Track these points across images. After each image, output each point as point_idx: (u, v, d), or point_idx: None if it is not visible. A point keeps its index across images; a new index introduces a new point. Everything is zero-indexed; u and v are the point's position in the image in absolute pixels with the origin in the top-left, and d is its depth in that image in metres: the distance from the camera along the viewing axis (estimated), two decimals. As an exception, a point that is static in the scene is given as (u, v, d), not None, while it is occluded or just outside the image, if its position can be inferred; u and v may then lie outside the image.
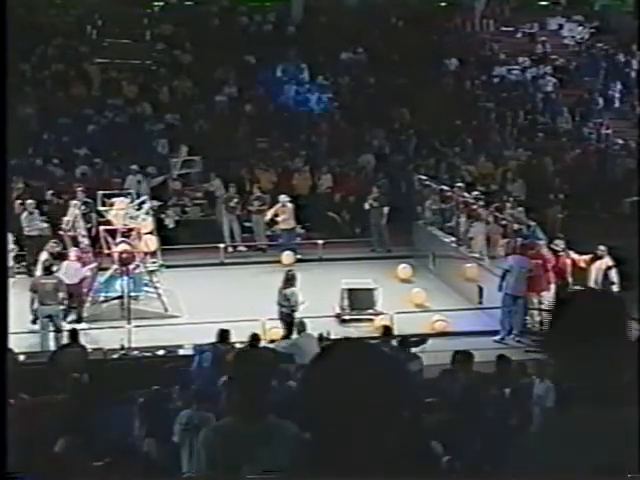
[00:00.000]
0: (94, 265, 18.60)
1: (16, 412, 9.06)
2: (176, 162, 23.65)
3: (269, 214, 22.32)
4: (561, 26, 33.99)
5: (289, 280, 16.22)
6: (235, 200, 22.86)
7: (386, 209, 22.46)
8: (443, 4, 34.42)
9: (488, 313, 17.72)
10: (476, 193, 21.06)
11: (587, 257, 17.20)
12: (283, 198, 22.33)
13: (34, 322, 16.37)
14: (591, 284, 16.98)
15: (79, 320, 16.73)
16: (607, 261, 16.95)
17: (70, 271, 16.79)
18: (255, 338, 13.02)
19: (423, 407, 9.89)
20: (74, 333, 13.84)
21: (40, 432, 9.53)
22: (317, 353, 2.70)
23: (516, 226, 18.70)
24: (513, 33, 33.64)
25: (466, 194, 20.91)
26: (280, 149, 26.21)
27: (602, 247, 17.08)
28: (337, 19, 31.68)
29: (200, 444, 4.80)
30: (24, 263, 19.71)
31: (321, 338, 13.31)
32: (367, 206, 22.54)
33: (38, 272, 16.83)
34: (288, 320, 15.66)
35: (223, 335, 12.90)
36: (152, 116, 26.93)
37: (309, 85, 29.03)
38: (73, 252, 17.45)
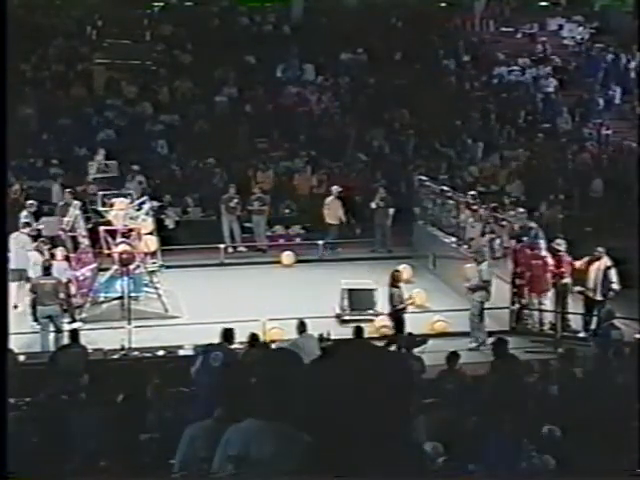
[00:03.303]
0: (94, 266, 18.62)
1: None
2: (92, 165, 23.54)
3: (326, 202, 22.29)
4: (561, 26, 34.00)
5: (392, 280, 16.36)
6: (235, 200, 22.86)
7: (392, 210, 22.52)
8: (443, 4, 34.42)
9: (488, 313, 17.71)
10: (472, 193, 21.05)
11: (583, 262, 17.18)
12: (335, 189, 22.44)
13: (36, 319, 16.44)
14: (590, 284, 17.00)
15: (72, 320, 16.68)
16: (606, 261, 16.96)
17: (58, 271, 16.74)
18: (254, 338, 13.02)
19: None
20: (74, 333, 13.83)
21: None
22: (320, 353, 2.72)
23: (516, 227, 18.69)
24: (513, 33, 33.65)
25: (464, 194, 20.95)
26: (280, 149, 26.23)
27: (600, 248, 17.08)
28: (337, 19, 31.68)
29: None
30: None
31: (322, 339, 13.32)
32: (374, 205, 22.58)
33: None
34: (394, 320, 16.06)
35: (227, 335, 12.87)
36: (152, 116, 26.95)
37: (309, 85, 29.04)
38: (59, 252, 17.38)
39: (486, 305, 16.82)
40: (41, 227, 19.35)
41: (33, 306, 16.51)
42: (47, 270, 16.18)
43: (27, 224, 18.82)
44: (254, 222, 23.01)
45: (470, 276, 17.11)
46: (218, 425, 4.62)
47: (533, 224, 19.06)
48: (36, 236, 18.82)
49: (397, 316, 16.20)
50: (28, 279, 17.08)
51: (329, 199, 22.72)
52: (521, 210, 20.35)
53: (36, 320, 16.26)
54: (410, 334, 14.13)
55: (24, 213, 19.76)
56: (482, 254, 17.42)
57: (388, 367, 2.56)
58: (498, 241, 18.35)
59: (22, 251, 17.52)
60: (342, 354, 2.61)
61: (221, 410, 4.66)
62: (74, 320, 16.70)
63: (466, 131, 27.52)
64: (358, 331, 13.37)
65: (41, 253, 17.38)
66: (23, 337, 15.65)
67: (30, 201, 20.55)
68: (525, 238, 18.20)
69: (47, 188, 23.21)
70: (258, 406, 4.20)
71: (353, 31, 30.85)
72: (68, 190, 21.16)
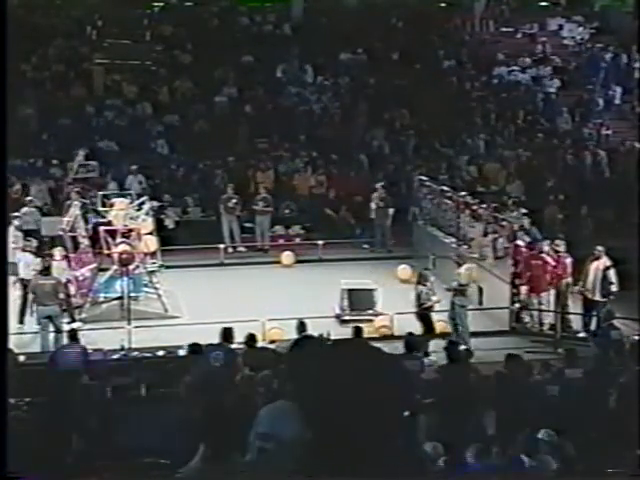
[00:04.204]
0: (94, 266, 18.61)
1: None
2: (72, 166, 23.53)
3: (373, 198, 22.39)
4: (561, 27, 33.99)
5: (419, 278, 16.35)
6: (234, 200, 22.81)
7: (391, 210, 22.55)
8: (443, 4, 34.43)
9: (488, 313, 17.73)
10: (464, 193, 21.00)
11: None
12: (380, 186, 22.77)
13: (21, 322, 16.48)
14: (589, 285, 17.00)
15: (72, 321, 16.68)
16: (605, 261, 16.95)
17: (57, 271, 16.73)
18: (252, 338, 13.01)
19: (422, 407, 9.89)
20: (73, 333, 13.83)
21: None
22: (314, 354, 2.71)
23: (516, 227, 18.69)
24: (513, 34, 33.64)
25: (463, 194, 20.95)
26: (280, 149, 26.22)
27: (599, 247, 17.09)
28: (337, 19, 31.69)
29: None
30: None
31: (322, 339, 13.31)
32: (373, 206, 22.59)
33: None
34: (422, 318, 16.13)
35: (227, 334, 12.86)
36: (152, 116, 26.95)
37: (309, 85, 29.04)
38: (57, 252, 17.36)
39: (475, 306, 16.81)
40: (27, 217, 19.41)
41: (24, 305, 16.59)
42: (46, 270, 16.17)
43: (16, 217, 18.88)
44: (257, 222, 22.95)
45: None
46: (207, 464, 4.39)
47: (526, 223, 19.07)
48: (25, 233, 18.93)
49: (424, 315, 16.21)
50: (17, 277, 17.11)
51: (376, 194, 22.91)
52: (523, 210, 20.37)
53: (22, 319, 16.37)
54: (411, 334, 14.13)
55: (24, 209, 19.93)
56: (463, 257, 17.42)
57: (385, 367, 2.55)
58: (501, 241, 18.31)
59: (12, 245, 17.55)
60: (337, 354, 2.60)
61: (206, 449, 4.46)
62: (73, 320, 16.70)
63: (466, 131, 27.51)
64: (357, 331, 13.39)
65: (32, 253, 17.28)
66: (23, 337, 15.70)
67: (29, 197, 20.69)
68: (525, 238, 18.21)
69: (47, 188, 23.26)
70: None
71: (353, 31, 30.86)
72: (75, 190, 21.16)
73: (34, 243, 17.77)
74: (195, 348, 12.69)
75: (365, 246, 22.90)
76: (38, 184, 22.94)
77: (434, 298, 16.45)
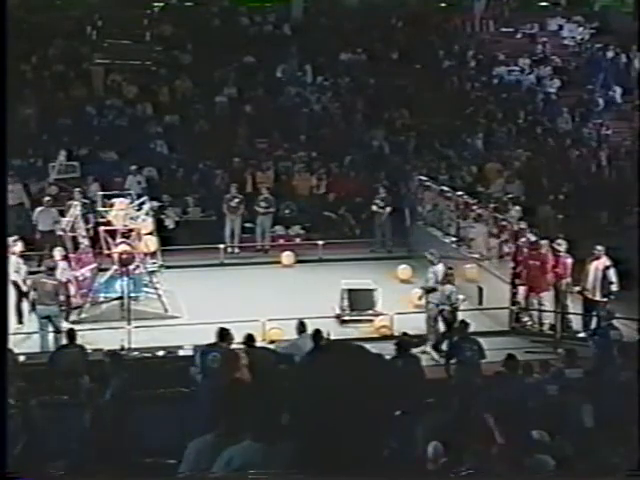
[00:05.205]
0: (94, 266, 18.62)
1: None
2: (53, 166, 23.47)
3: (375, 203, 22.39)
4: (561, 27, 34.00)
5: (448, 277, 16.39)
6: (237, 200, 22.79)
7: (389, 209, 22.53)
8: (443, 4, 34.43)
9: (488, 314, 17.72)
10: (460, 193, 20.99)
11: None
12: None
13: (20, 322, 16.49)
14: (589, 285, 16.99)
15: (71, 321, 16.66)
16: (605, 261, 16.94)
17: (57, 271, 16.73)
18: (250, 339, 13.01)
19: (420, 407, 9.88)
20: (72, 334, 13.82)
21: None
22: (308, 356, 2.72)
23: (516, 227, 18.67)
24: (513, 34, 33.65)
25: (463, 194, 20.94)
26: (280, 149, 26.22)
27: (599, 247, 17.08)
28: (337, 20, 31.70)
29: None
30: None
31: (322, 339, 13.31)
32: (374, 207, 22.55)
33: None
34: (449, 318, 15.97)
35: (223, 334, 12.86)
36: (152, 117, 26.94)
37: (309, 85, 29.05)
38: (57, 252, 17.32)
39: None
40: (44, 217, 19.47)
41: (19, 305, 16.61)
42: (51, 270, 16.15)
43: None
44: (258, 222, 22.92)
45: (469, 277, 17.13)
46: (221, 439, 4.68)
47: (522, 224, 19.05)
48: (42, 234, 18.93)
49: (454, 314, 16.18)
50: None
51: None
52: (517, 208, 20.36)
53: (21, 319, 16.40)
54: (405, 334, 14.11)
55: (39, 209, 19.97)
56: (435, 256, 17.28)
57: (369, 369, 2.57)
58: (509, 243, 18.23)
59: None
60: (326, 356, 2.62)
61: (222, 425, 4.73)
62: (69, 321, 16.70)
63: (466, 131, 27.51)
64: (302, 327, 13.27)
65: (15, 254, 17.13)
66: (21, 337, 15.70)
67: (47, 197, 20.72)
68: (531, 237, 18.19)
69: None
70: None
71: (353, 31, 30.87)
72: (77, 189, 21.15)
73: (19, 244, 17.65)
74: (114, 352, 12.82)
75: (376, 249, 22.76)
76: (12, 184, 22.81)
77: (460, 297, 16.45)
